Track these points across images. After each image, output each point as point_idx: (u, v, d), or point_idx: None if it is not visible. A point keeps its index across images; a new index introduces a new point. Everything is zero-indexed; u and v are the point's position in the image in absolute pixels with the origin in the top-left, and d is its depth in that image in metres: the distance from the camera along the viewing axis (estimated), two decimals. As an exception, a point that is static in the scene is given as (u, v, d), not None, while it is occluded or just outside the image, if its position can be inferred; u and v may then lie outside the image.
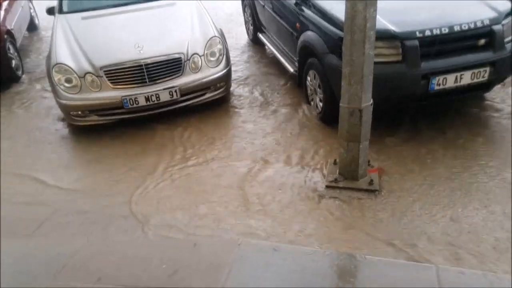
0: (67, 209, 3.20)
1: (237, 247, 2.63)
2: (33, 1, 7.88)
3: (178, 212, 3.07)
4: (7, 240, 2.86)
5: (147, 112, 4.13)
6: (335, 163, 3.36)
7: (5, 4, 6.06)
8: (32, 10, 7.61)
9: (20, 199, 3.39)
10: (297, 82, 4.51)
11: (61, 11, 4.86)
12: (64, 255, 2.68)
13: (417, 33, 3.30)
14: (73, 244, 2.79)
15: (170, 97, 4.06)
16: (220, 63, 4.30)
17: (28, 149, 4.15)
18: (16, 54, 5.83)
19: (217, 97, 4.38)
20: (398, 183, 3.17)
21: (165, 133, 4.16)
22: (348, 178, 3.18)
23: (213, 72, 4.24)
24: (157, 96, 4.01)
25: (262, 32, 5.74)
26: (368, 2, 2.59)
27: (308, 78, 4.16)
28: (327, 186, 3.18)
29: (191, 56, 4.15)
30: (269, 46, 5.41)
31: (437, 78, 3.37)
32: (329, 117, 3.86)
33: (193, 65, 4.16)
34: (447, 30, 3.34)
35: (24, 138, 4.35)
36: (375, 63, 2.94)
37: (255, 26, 5.92)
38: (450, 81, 3.41)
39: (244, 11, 6.37)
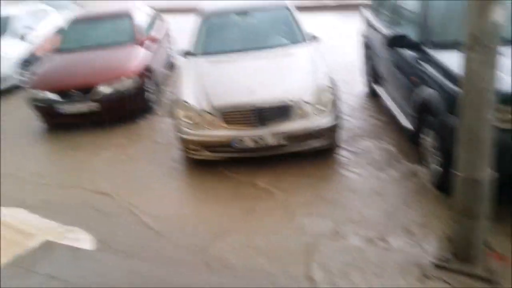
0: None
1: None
2: (174, 44, 8.89)
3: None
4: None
5: (252, 154, 4.29)
6: (448, 240, 2.94)
7: (150, 45, 6.94)
8: (171, 51, 8.56)
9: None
10: (412, 140, 4.24)
11: (192, 54, 5.38)
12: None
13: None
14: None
15: (276, 142, 4.16)
16: (328, 113, 4.27)
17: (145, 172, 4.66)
18: (153, 88, 6.57)
19: (322, 147, 4.34)
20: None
21: (266, 179, 4.21)
22: (462, 260, 2.77)
23: (320, 121, 4.23)
24: (263, 139, 4.15)
25: (379, 84, 5.59)
26: (487, 61, 2.35)
27: (424, 138, 3.89)
28: (436, 265, 2.82)
29: (300, 103, 4.21)
30: (385, 98, 5.24)
31: None
32: (445, 184, 3.43)
33: (301, 113, 4.21)
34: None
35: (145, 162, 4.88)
36: (503, 129, 2.64)
37: (373, 77, 5.80)
38: None
39: (364, 60, 6.30)
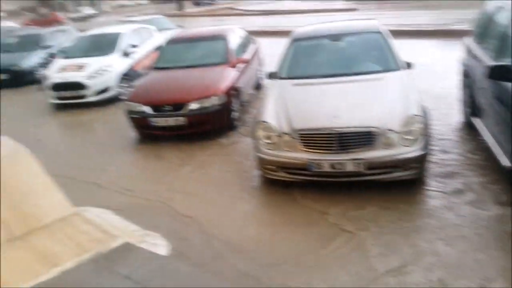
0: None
1: None
2: (263, 66, 9.15)
3: None
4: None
5: (330, 179, 4.18)
6: None
7: (240, 66, 7.20)
8: (260, 73, 8.80)
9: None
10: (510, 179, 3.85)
11: (277, 77, 5.46)
12: None
13: None
14: None
15: (355, 169, 4.02)
16: (416, 143, 4.04)
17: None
18: (238, 107, 6.77)
19: (406, 178, 4.11)
20: None
21: (339, 209, 4.04)
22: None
23: (406, 151, 4.01)
24: (342, 165, 4.03)
25: (477, 116, 5.17)
26: None
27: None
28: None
29: (386, 131, 4.04)
30: (483, 132, 4.84)
31: None
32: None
33: (385, 141, 4.03)
34: None
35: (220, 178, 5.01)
36: None
37: (471, 108, 5.39)
38: None
39: (462, 90, 5.90)
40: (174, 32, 10.94)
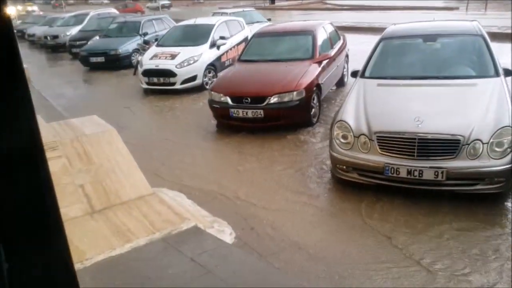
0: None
1: None
2: (349, 63, 8.93)
3: None
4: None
5: (405, 185, 3.98)
6: None
7: (324, 62, 7.10)
8: (345, 70, 8.60)
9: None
10: None
11: (362, 75, 5.29)
12: None
13: None
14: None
15: (434, 177, 3.78)
16: (505, 156, 3.71)
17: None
18: (317, 104, 6.70)
19: (491, 192, 3.80)
20: None
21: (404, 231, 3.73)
22: None
23: (494, 164, 3.69)
24: (420, 172, 3.81)
25: None
26: None
27: None
28: None
29: (473, 141, 3.75)
30: None
31: None
32: None
33: (472, 151, 3.75)
34: None
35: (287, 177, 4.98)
36: None
37: None
38: None
39: None
40: (264, 25, 11.08)
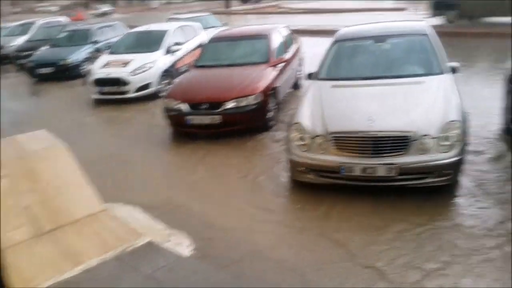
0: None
1: None
2: (304, 65, 8.99)
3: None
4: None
5: (360, 183, 4.07)
6: None
7: (279, 65, 7.11)
8: (300, 72, 8.65)
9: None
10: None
11: (317, 77, 5.33)
12: None
13: None
14: None
15: (387, 173, 3.88)
16: (452, 149, 3.86)
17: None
18: (274, 107, 6.69)
19: (440, 184, 3.95)
20: None
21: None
22: None
23: (442, 157, 3.84)
24: (373, 169, 3.89)
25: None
26: None
27: None
28: None
29: (421, 136, 3.87)
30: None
31: None
32: None
33: (421, 146, 3.87)
34: None
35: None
36: None
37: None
38: None
39: (504, 96, 5.49)
40: (219, 30, 10.99)
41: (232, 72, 6.88)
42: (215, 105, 6.16)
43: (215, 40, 8.07)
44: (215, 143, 6.14)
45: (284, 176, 4.85)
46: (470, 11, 14.46)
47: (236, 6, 38.10)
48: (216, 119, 6.13)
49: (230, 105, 6.11)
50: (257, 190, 4.68)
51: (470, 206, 3.89)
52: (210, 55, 7.70)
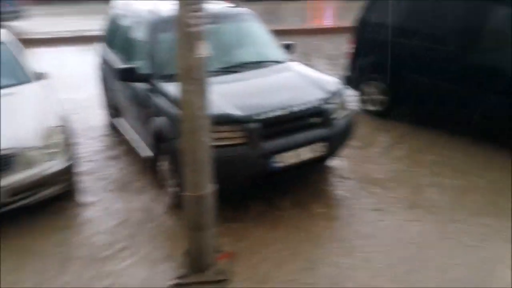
0: None
1: None
2: None
3: None
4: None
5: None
6: (185, 256, 3.03)
7: None
8: None
9: None
10: (153, 168, 4.30)
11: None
12: None
13: (259, 115, 3.48)
14: None
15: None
16: (60, 155, 3.82)
17: None
18: None
19: (59, 192, 3.90)
20: (252, 266, 3.12)
21: None
22: (197, 272, 2.94)
23: (50, 166, 3.73)
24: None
25: (120, 116, 5.46)
26: (197, 91, 2.59)
27: (163, 164, 3.99)
28: (175, 285, 2.90)
29: (23, 150, 3.60)
30: (124, 131, 5.22)
31: (278, 156, 3.55)
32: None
33: (25, 160, 3.60)
34: (285, 112, 3.55)
35: None
36: (220, 146, 3.07)
37: (114, 110, 5.66)
38: (291, 157, 3.62)
39: (103, 94, 6.06)
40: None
41: None
42: None
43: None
44: None
45: None
46: None
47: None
48: None
49: None
50: None
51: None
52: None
